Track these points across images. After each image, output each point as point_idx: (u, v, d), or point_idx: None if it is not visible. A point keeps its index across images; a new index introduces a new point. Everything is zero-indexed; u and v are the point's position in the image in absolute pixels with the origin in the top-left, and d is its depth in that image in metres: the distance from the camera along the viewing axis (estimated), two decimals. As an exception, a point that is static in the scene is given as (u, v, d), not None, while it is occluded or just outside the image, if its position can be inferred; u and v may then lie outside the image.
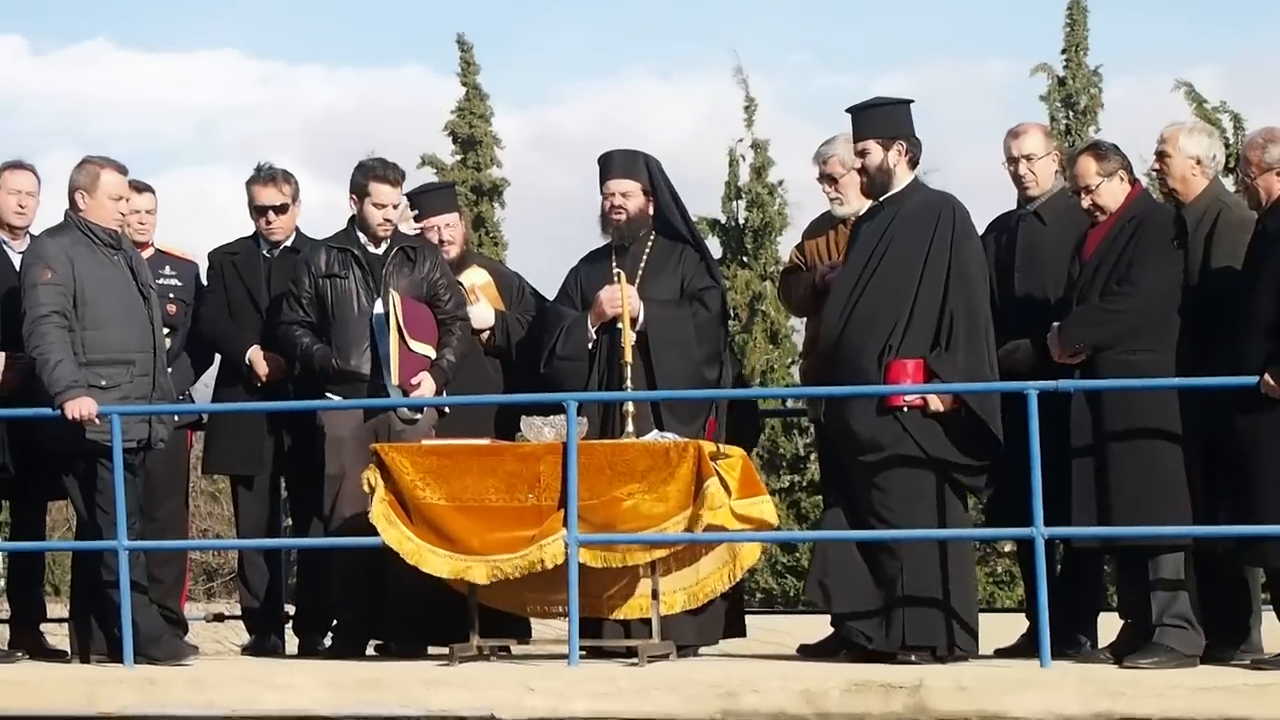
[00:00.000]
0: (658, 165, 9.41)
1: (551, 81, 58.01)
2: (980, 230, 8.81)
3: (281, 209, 9.76)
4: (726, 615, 9.02)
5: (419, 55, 57.10)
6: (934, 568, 8.27)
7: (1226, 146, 20.95)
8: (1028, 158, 8.93)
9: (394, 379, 9.08)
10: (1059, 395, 8.06)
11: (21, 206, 9.32)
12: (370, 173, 9.31)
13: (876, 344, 8.33)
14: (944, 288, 8.35)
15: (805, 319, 9.84)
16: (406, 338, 9.13)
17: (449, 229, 9.69)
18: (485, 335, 9.64)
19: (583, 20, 54.23)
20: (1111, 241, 8.25)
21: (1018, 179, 8.98)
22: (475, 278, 9.75)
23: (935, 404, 8.27)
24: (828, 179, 9.36)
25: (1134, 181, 8.39)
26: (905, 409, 8.27)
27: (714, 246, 25.93)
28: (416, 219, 9.66)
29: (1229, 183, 9.23)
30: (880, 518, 8.31)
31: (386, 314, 9.12)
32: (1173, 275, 8.16)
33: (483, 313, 9.62)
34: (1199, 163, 8.48)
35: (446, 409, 9.35)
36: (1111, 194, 8.32)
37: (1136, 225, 8.22)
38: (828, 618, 9.16)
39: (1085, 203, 8.39)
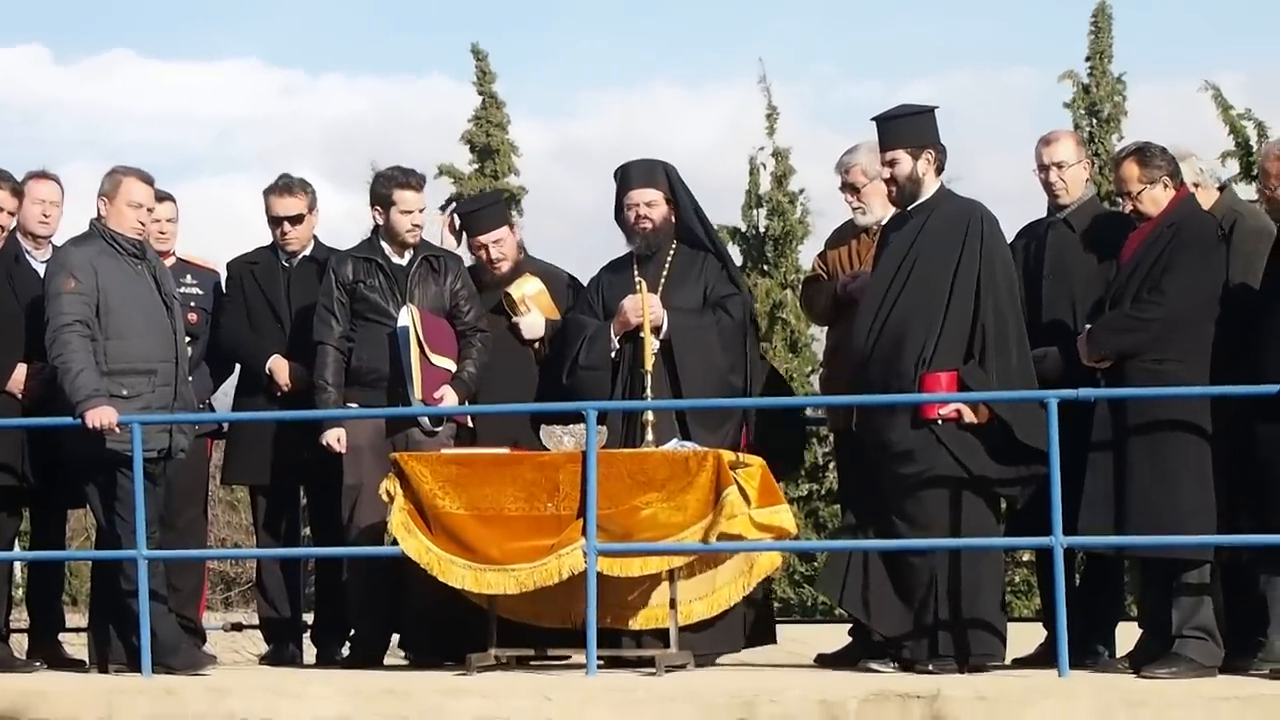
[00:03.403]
0: (676, 174, 9.39)
1: (573, 91, 58.06)
2: (1010, 238, 8.77)
3: (297, 219, 9.74)
4: (755, 623, 9.02)
5: (440, 64, 57.28)
6: (966, 577, 8.21)
7: (1250, 155, 21.00)
8: (1059, 165, 8.86)
9: (417, 393, 9.08)
10: (1088, 404, 8.03)
11: (45, 216, 9.36)
12: (393, 182, 9.32)
13: (909, 357, 8.25)
14: (975, 298, 8.28)
15: (826, 328, 9.83)
16: (427, 352, 9.13)
17: (498, 245, 9.58)
18: (537, 345, 9.60)
19: (604, 30, 54.34)
20: (1148, 247, 8.16)
21: (1048, 186, 8.91)
22: (526, 288, 9.63)
23: (969, 416, 8.19)
24: (850, 188, 9.33)
25: (1179, 187, 8.30)
26: (940, 421, 8.19)
27: (734, 255, 25.82)
28: (467, 235, 9.60)
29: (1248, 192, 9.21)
30: (916, 528, 8.23)
31: (407, 329, 9.12)
32: (1205, 285, 8.07)
33: (533, 322, 9.54)
34: (1196, 186, 8.50)
35: (470, 423, 9.35)
36: (1153, 200, 8.23)
37: (1175, 232, 8.12)
38: (845, 628, 9.16)
39: (1126, 208, 8.35)
